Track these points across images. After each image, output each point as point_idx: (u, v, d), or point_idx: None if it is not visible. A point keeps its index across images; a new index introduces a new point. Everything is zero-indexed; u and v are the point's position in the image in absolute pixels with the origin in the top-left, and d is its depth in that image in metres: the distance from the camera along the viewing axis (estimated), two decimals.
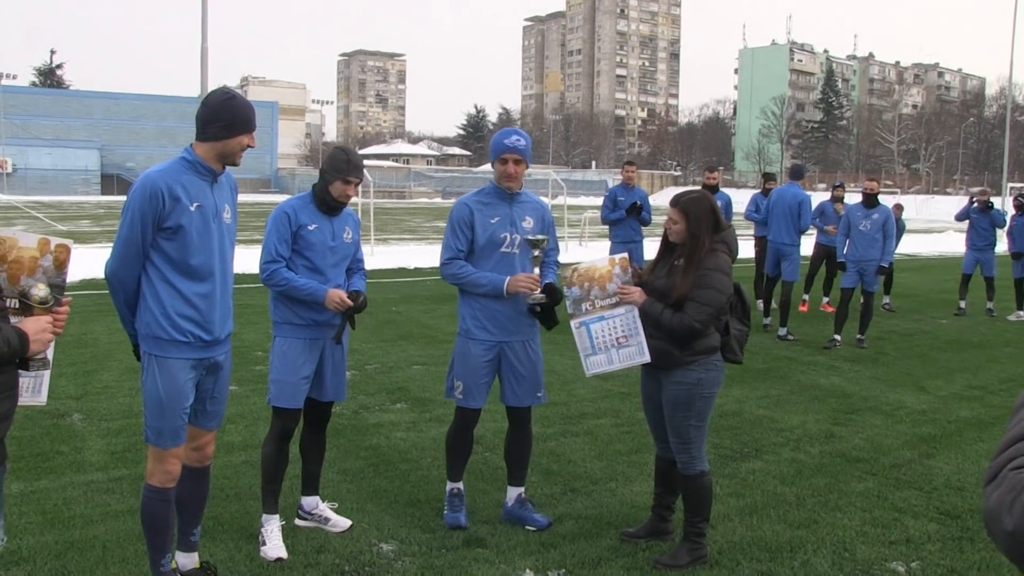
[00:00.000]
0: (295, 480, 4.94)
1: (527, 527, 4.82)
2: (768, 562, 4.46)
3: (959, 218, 14.16)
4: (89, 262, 17.35)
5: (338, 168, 4.51)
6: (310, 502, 4.84)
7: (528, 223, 4.78)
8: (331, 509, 4.88)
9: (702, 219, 4.34)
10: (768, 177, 13.84)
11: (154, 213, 3.56)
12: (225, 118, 3.67)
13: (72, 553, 4.33)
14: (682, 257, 4.37)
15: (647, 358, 4.43)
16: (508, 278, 4.62)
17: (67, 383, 7.71)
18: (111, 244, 3.75)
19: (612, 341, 4.53)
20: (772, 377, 8.72)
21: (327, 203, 4.54)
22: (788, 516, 5.07)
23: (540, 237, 4.66)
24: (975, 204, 13.74)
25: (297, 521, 4.82)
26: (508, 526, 4.81)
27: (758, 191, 13.41)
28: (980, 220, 13.68)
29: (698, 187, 9.99)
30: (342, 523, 4.78)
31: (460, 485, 4.97)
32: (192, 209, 3.63)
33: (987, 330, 12.16)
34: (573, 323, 4.64)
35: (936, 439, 6.70)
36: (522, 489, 5.01)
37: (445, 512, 4.92)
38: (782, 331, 10.96)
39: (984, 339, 11.40)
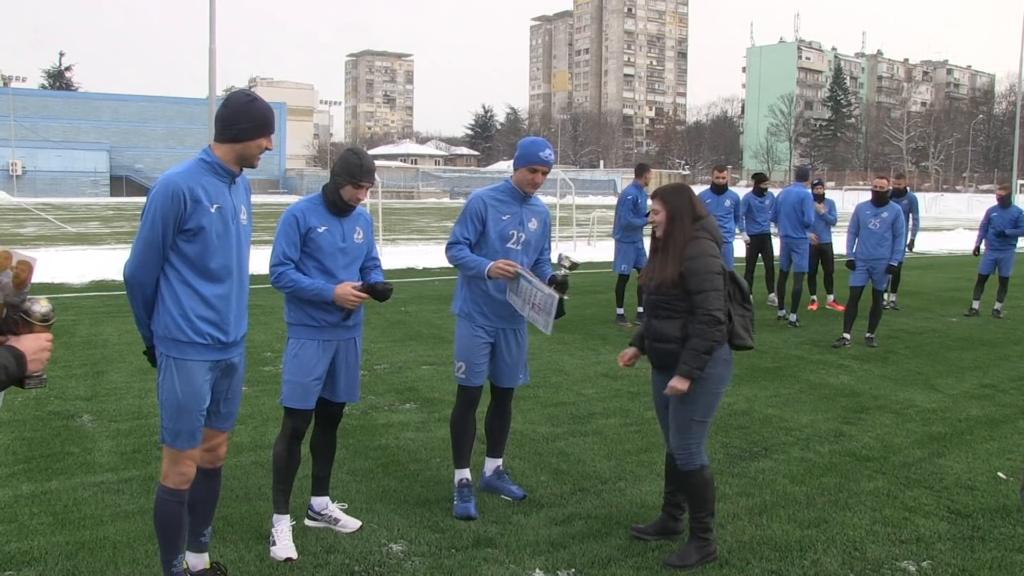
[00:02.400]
0: (305, 480, 4.95)
1: (503, 496, 5.21)
2: (778, 561, 4.45)
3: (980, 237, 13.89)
4: (99, 264, 17.47)
5: (350, 172, 4.51)
6: (320, 503, 4.86)
7: (533, 224, 5.21)
8: (341, 510, 4.89)
9: (679, 207, 4.50)
10: (760, 178, 13.88)
11: (175, 215, 3.56)
12: (246, 120, 3.69)
13: (83, 554, 4.34)
14: (664, 246, 4.51)
15: (548, 332, 4.97)
16: (490, 264, 4.96)
17: (77, 384, 7.74)
18: (120, 246, 3.77)
19: (529, 302, 4.97)
20: (781, 376, 8.70)
21: (337, 205, 4.56)
22: (798, 515, 5.06)
23: (575, 264, 5.27)
24: (994, 215, 13.57)
25: (307, 522, 4.83)
26: (518, 526, 4.82)
27: (749, 191, 13.47)
28: (1000, 219, 13.55)
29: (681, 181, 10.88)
30: (352, 524, 4.79)
31: (468, 474, 5.13)
32: (212, 211, 3.64)
33: (997, 328, 12.11)
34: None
35: (946, 438, 6.67)
36: (500, 461, 5.42)
37: (455, 503, 5.03)
38: (792, 317, 12.09)
39: (994, 337, 11.35)
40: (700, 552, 4.41)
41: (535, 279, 4.95)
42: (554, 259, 5.43)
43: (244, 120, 3.68)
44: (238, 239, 3.78)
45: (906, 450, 6.35)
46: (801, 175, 13.30)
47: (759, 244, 13.43)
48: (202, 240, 3.62)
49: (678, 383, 4.34)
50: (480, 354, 5.13)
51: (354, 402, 4.91)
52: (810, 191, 12.86)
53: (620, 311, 11.82)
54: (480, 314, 5.12)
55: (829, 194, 13.48)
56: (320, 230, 4.51)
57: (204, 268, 3.65)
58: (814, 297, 13.57)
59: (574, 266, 5.25)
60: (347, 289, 4.49)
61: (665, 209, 4.50)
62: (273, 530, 4.51)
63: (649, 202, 12.30)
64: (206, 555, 4.09)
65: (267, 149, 3.80)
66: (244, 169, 3.82)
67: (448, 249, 5.14)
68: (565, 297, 4.94)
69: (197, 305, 3.65)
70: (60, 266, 16.91)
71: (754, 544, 4.65)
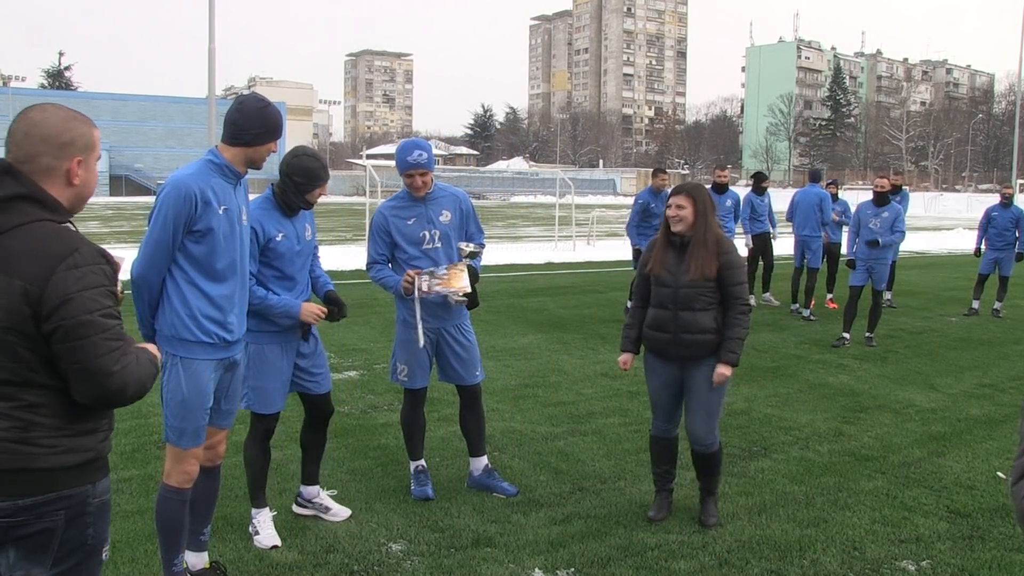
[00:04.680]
0: (297, 466, 4.99)
1: (495, 495, 5.22)
2: (777, 561, 4.46)
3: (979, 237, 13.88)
4: None
5: (316, 176, 4.45)
6: (310, 491, 4.90)
7: (446, 216, 5.15)
8: (330, 497, 4.93)
9: (707, 201, 4.76)
10: (760, 177, 13.98)
11: (187, 215, 3.58)
12: (259, 126, 3.73)
13: None
14: (692, 241, 4.70)
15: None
16: (402, 281, 4.97)
17: None
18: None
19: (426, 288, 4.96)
20: (781, 376, 8.70)
21: (296, 208, 4.48)
22: (797, 515, 5.06)
23: (474, 249, 5.10)
24: (994, 214, 13.56)
25: (295, 508, 4.88)
26: (517, 525, 4.82)
27: (750, 191, 13.71)
28: (1001, 218, 13.52)
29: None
30: (342, 512, 4.84)
31: (422, 463, 5.28)
32: (220, 212, 3.66)
33: (996, 328, 12.11)
34: (422, 273, 5.03)
35: (946, 437, 6.67)
36: (485, 458, 5.42)
37: (412, 487, 5.22)
38: (805, 312, 12.57)
39: (994, 337, 11.35)
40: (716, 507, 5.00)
41: (418, 291, 4.93)
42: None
43: (257, 126, 3.73)
44: (241, 240, 3.81)
45: (905, 450, 6.35)
46: (814, 176, 13.74)
47: (760, 243, 13.52)
48: (210, 241, 3.64)
49: (727, 370, 4.70)
50: (422, 354, 5.16)
51: (327, 389, 4.87)
52: (826, 191, 13.27)
53: (629, 305, 11.81)
54: (414, 315, 5.08)
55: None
56: (279, 238, 4.42)
57: (211, 268, 3.67)
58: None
59: (471, 254, 5.11)
60: (313, 308, 4.49)
61: (694, 205, 4.70)
62: (254, 520, 4.57)
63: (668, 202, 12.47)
64: (205, 554, 4.10)
65: (273, 152, 3.85)
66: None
67: (368, 270, 5.19)
68: (469, 289, 5.04)
69: (203, 305, 3.67)
70: None
71: (753, 543, 4.66)
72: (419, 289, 4.94)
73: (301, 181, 4.44)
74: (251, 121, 3.72)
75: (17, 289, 2.19)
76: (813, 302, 12.85)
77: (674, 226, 4.71)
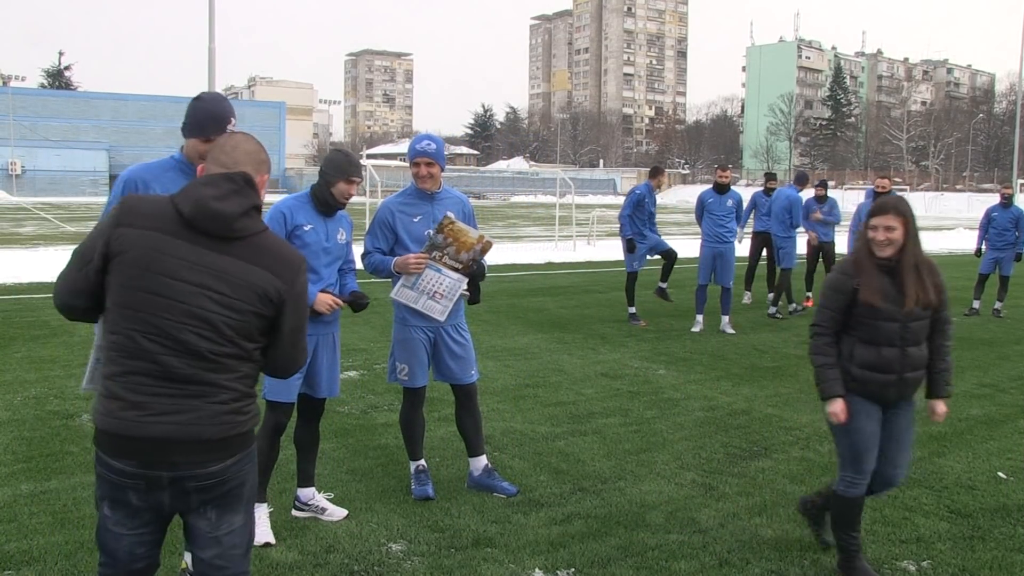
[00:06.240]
0: (292, 466, 4.98)
1: (495, 495, 5.21)
2: (778, 561, 4.45)
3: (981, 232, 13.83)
4: None
5: (341, 168, 4.55)
6: (306, 493, 4.91)
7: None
8: (327, 499, 4.95)
9: (915, 223, 4.14)
10: (770, 177, 14.17)
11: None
12: (187, 117, 3.78)
13: (82, 553, 4.34)
14: (903, 265, 4.08)
15: (441, 319, 5.09)
16: (395, 258, 5.05)
17: (77, 384, 7.73)
18: None
19: (430, 291, 5.05)
20: (781, 376, 8.69)
21: (327, 204, 4.59)
22: (798, 515, 5.04)
23: (453, 219, 5.08)
24: (994, 214, 13.54)
25: (294, 512, 4.89)
26: (517, 526, 4.82)
27: (759, 190, 13.97)
28: (1001, 218, 13.50)
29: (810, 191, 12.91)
30: (338, 513, 4.86)
31: (423, 463, 5.29)
32: None
33: (997, 328, 12.11)
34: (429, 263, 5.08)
35: (946, 437, 6.67)
36: (485, 458, 5.40)
37: (413, 487, 5.22)
38: (771, 309, 12.68)
39: (994, 337, 11.34)
40: None
41: (444, 267, 5.00)
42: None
43: (186, 117, 3.76)
44: None
45: None
46: (799, 179, 13.88)
47: (765, 241, 13.54)
48: None
49: (945, 407, 4.36)
50: (420, 355, 5.19)
51: (335, 396, 4.92)
52: (800, 194, 13.27)
53: (632, 310, 11.81)
54: (415, 315, 5.14)
55: (829, 193, 13.53)
56: (306, 228, 4.53)
57: None
58: (809, 294, 13.61)
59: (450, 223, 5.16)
60: (327, 298, 4.54)
61: (905, 226, 4.06)
62: None
63: (659, 200, 12.45)
64: None
65: (199, 153, 3.66)
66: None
67: (363, 259, 5.19)
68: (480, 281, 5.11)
69: None
70: (59, 265, 16.90)
71: (754, 544, 4.65)
72: (433, 271, 5.01)
73: (328, 171, 4.57)
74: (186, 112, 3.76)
75: (272, 284, 2.70)
76: (811, 302, 12.87)
77: (882, 250, 4.05)
